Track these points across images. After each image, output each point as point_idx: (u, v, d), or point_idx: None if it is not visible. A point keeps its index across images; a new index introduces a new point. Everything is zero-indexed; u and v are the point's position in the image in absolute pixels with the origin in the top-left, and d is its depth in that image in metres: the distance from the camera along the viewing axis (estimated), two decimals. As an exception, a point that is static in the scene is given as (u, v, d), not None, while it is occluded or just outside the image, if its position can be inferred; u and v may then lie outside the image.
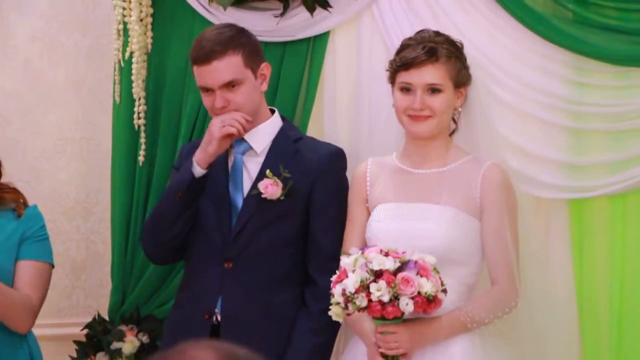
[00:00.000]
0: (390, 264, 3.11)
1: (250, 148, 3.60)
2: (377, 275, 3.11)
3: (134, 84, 3.99)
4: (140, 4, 3.94)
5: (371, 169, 3.53)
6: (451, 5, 3.79)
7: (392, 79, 3.46)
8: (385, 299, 3.09)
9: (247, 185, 3.57)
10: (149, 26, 3.99)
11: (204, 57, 3.49)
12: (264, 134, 3.60)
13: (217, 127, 3.47)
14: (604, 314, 3.70)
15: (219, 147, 3.49)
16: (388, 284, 3.09)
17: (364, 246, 3.29)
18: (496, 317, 3.32)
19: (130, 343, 3.98)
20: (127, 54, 3.98)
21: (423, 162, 3.46)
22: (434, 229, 3.34)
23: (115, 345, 3.98)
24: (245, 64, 3.51)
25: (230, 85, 3.50)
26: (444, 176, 3.43)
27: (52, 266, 3.58)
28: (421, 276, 3.12)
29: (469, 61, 3.48)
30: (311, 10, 3.84)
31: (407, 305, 3.10)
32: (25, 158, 4.36)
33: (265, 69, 3.59)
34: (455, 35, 3.54)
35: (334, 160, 3.61)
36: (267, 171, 3.50)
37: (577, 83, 3.72)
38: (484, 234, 3.38)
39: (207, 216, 3.58)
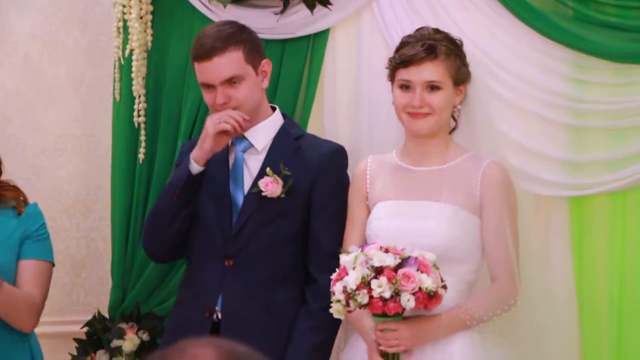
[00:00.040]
0: (390, 261, 3.12)
1: (251, 146, 3.60)
2: (378, 271, 3.12)
3: (134, 82, 3.99)
4: (140, 1, 3.95)
5: (371, 167, 3.53)
6: (451, 3, 3.79)
7: (392, 77, 3.46)
8: (387, 295, 3.09)
9: (247, 183, 3.57)
10: (149, 24, 3.99)
11: (205, 53, 3.49)
12: (264, 132, 3.60)
13: (212, 123, 3.47)
14: (604, 311, 3.70)
15: (214, 144, 3.49)
16: (389, 280, 3.09)
17: (363, 244, 3.29)
18: (495, 315, 3.32)
19: (130, 341, 3.98)
20: (127, 52, 3.98)
21: (423, 160, 3.46)
22: (434, 227, 3.34)
23: (116, 343, 3.99)
24: (246, 60, 3.51)
25: (232, 81, 3.49)
26: (444, 174, 3.43)
27: (53, 265, 3.58)
28: (421, 272, 3.12)
29: (469, 59, 3.48)
30: (311, 7, 3.84)
31: (408, 301, 3.10)
32: (25, 155, 4.36)
33: (266, 65, 3.59)
34: (455, 32, 3.54)
35: (335, 158, 3.60)
36: (268, 169, 3.50)
37: (577, 80, 3.72)
38: (484, 232, 3.38)
39: (207, 214, 3.58)
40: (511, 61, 3.75)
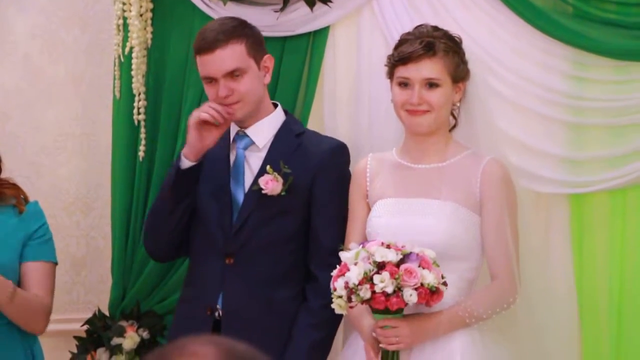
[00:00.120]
0: (392, 256, 3.12)
1: (253, 143, 3.60)
2: (380, 267, 3.12)
3: (133, 80, 3.99)
4: (140, -1, 3.95)
5: (371, 165, 3.53)
6: (451, 1, 3.79)
7: (391, 74, 3.46)
8: (389, 290, 3.10)
9: (248, 181, 3.57)
10: (149, 21, 3.99)
11: (208, 45, 3.49)
12: (266, 129, 3.60)
13: (192, 116, 3.48)
14: (604, 309, 3.70)
15: (198, 137, 3.48)
16: (391, 275, 3.09)
17: (363, 241, 3.29)
18: (495, 313, 3.32)
19: (130, 339, 3.98)
20: (127, 49, 3.98)
21: (422, 157, 3.46)
22: (434, 225, 3.34)
23: (116, 340, 3.99)
24: (248, 53, 3.51)
25: (234, 74, 3.50)
26: (444, 171, 3.43)
27: (56, 264, 3.59)
28: (423, 268, 3.12)
29: (469, 56, 3.48)
30: (311, 5, 3.84)
31: (410, 296, 3.10)
32: (25, 154, 4.36)
33: (269, 61, 3.59)
34: (455, 30, 3.54)
35: (336, 155, 3.60)
36: (268, 167, 3.50)
37: (577, 78, 3.72)
38: (483, 230, 3.38)
39: (208, 211, 3.58)
40: (511, 59, 3.75)
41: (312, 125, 3.86)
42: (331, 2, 3.85)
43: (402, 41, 3.45)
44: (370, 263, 3.13)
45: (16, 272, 3.48)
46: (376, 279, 3.10)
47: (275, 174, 3.49)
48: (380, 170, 3.51)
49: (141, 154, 4.02)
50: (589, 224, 3.73)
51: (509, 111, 3.73)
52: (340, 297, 3.16)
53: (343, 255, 3.20)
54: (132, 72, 3.98)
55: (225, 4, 3.87)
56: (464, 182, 3.40)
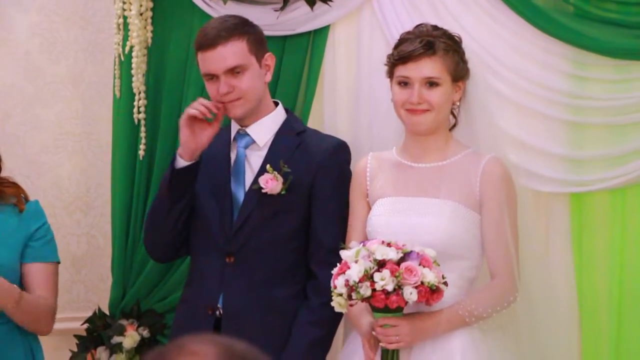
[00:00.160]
0: (393, 254, 3.13)
1: (253, 141, 3.60)
2: (381, 264, 3.12)
3: (134, 78, 3.99)
4: (140, -2, 3.95)
5: (371, 164, 3.53)
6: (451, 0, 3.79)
7: (390, 73, 3.46)
8: (389, 288, 3.10)
9: (249, 180, 3.56)
10: (149, 20, 3.99)
11: (209, 42, 3.49)
12: (266, 127, 3.60)
13: (183, 114, 3.49)
14: (604, 307, 3.70)
15: (190, 134, 3.49)
16: (392, 273, 3.10)
17: (364, 240, 3.29)
18: (495, 312, 3.32)
19: (130, 337, 3.98)
20: (127, 48, 3.98)
21: (422, 156, 3.46)
22: (434, 224, 3.34)
23: (116, 339, 3.99)
24: (250, 50, 3.51)
25: (235, 70, 3.49)
26: (444, 170, 3.43)
27: (59, 263, 3.59)
28: (423, 267, 3.13)
29: (469, 55, 3.48)
30: (311, 4, 3.84)
31: (411, 295, 3.10)
32: (25, 152, 4.36)
33: (270, 59, 3.59)
34: (455, 29, 3.54)
35: (337, 153, 3.60)
36: (267, 166, 3.50)
37: (577, 77, 3.72)
38: (483, 228, 3.38)
39: (208, 211, 3.57)
40: (511, 58, 3.75)
41: (312, 124, 3.86)
42: (331, 1, 3.84)
43: (402, 40, 3.45)
44: (370, 261, 3.13)
45: (16, 272, 3.48)
46: (377, 276, 3.11)
47: (275, 173, 3.48)
48: (381, 169, 3.51)
49: (141, 152, 4.02)
50: (589, 223, 3.73)
51: (509, 110, 3.73)
52: (340, 295, 3.16)
53: (343, 253, 3.20)
54: (132, 71, 3.98)
55: (225, 3, 3.87)
56: (464, 181, 3.40)
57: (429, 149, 3.46)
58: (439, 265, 3.17)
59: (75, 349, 4.07)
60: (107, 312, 4.09)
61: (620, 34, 3.67)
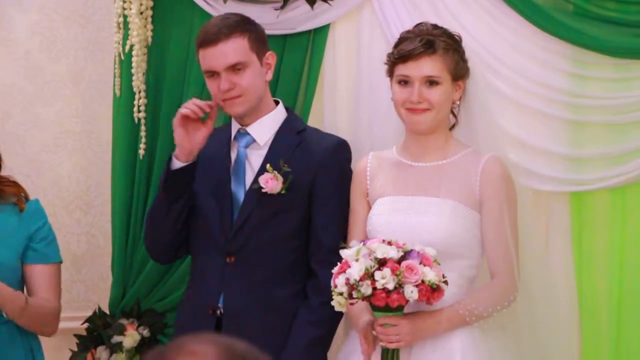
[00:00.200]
0: (394, 253, 3.13)
1: (254, 141, 3.59)
2: (381, 263, 3.12)
3: (134, 77, 3.99)
4: (141, -4, 3.95)
5: (371, 164, 3.53)
6: (451, -2, 3.79)
7: (390, 72, 3.45)
8: (390, 286, 3.10)
9: (249, 179, 3.56)
10: (149, 19, 3.99)
11: (210, 39, 3.48)
12: (267, 126, 3.59)
13: (176, 115, 3.49)
14: (604, 306, 3.70)
15: (184, 135, 3.48)
16: (392, 271, 3.10)
17: (364, 239, 3.29)
18: (495, 311, 3.32)
19: (130, 337, 3.98)
20: (127, 47, 3.98)
21: (423, 155, 3.46)
22: (434, 223, 3.34)
23: (116, 339, 3.99)
24: (251, 48, 3.51)
25: (236, 67, 3.49)
26: (444, 169, 3.43)
27: (61, 262, 3.60)
28: (424, 265, 3.12)
29: (469, 54, 3.48)
30: (311, 3, 3.84)
31: (412, 293, 3.10)
32: (25, 151, 4.36)
33: (271, 57, 3.59)
34: (455, 28, 3.54)
35: (337, 152, 3.59)
36: (267, 165, 3.49)
37: (577, 76, 3.72)
38: (483, 227, 3.38)
39: (209, 210, 3.57)
40: (511, 57, 3.75)
41: (312, 123, 3.86)
42: (331, -1, 3.85)
43: (402, 39, 3.45)
44: (371, 260, 3.13)
45: (16, 271, 3.48)
46: (377, 275, 3.11)
47: (275, 172, 3.48)
48: (381, 168, 3.51)
49: (141, 151, 4.02)
50: (589, 222, 3.73)
51: (509, 109, 3.73)
52: (341, 294, 3.16)
53: (344, 252, 3.20)
54: (133, 70, 3.98)
55: (225, 1, 3.87)
56: (464, 180, 3.40)
57: (429, 148, 3.46)
58: (439, 264, 3.17)
59: (76, 349, 4.07)
60: (107, 312, 4.09)
61: (620, 32, 3.67)
